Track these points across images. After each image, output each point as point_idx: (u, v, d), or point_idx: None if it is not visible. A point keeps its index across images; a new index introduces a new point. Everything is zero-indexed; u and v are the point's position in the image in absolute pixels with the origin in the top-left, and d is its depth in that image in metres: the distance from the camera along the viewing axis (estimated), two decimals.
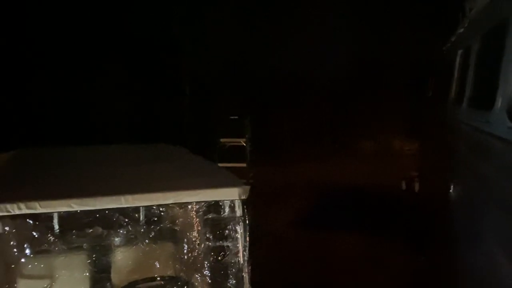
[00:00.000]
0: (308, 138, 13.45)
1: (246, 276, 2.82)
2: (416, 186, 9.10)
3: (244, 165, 8.11)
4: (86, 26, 15.04)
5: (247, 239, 2.86)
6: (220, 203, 2.97)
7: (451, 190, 4.20)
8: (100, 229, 3.39)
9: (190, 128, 12.40)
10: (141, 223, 3.53)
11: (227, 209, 2.96)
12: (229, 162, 7.11)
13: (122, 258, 3.34)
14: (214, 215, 3.02)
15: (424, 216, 6.85)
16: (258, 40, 14.37)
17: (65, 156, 3.35)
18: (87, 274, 3.23)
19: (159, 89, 14.16)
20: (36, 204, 2.24)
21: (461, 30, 5.09)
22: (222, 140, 8.73)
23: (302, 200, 8.82)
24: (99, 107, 13.62)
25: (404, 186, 9.59)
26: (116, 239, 3.55)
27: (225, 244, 3.02)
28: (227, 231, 2.99)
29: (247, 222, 2.86)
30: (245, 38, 14.50)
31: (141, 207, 3.51)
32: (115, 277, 3.30)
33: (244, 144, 8.75)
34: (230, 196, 2.81)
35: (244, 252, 2.84)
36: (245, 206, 2.86)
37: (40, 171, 2.83)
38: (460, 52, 5.03)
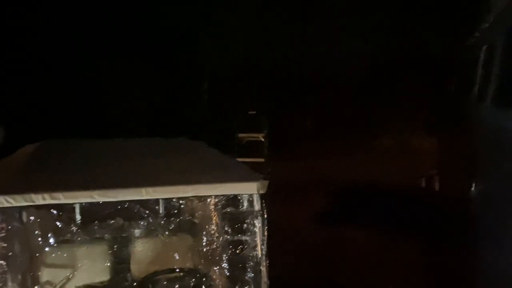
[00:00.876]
0: (326, 134, 13.38)
1: (264, 270, 2.83)
2: (436, 184, 8.98)
3: (262, 160, 8.12)
4: (106, 20, 15.20)
5: (265, 233, 2.87)
6: (239, 197, 3.00)
7: (473, 188, 4.14)
8: (121, 221, 3.46)
9: (208, 122, 12.46)
10: (160, 215, 3.58)
11: (245, 203, 2.98)
12: (247, 157, 7.13)
13: (141, 250, 3.39)
14: (233, 209, 3.05)
15: (444, 214, 6.76)
16: (276, 35, 14.29)
17: (88, 149, 3.41)
18: (108, 264, 3.30)
19: (178, 84, 14.26)
20: (59, 195, 2.30)
21: (486, 25, 4.99)
22: (239, 135, 8.74)
23: (319, 196, 8.79)
24: (119, 101, 13.78)
25: (423, 184, 9.47)
26: (136, 230, 3.62)
27: (243, 238, 3.04)
28: (245, 225, 3.01)
29: (265, 216, 2.87)
30: (264, 33, 14.43)
31: (160, 200, 3.57)
32: (135, 268, 3.35)
33: (262, 139, 8.75)
34: (249, 190, 2.82)
35: (262, 246, 2.85)
36: (263, 201, 2.87)
37: (63, 163, 2.89)
38: (484, 47, 4.94)
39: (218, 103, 13.52)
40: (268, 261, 2.86)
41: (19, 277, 2.70)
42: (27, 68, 14.30)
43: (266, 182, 2.82)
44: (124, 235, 3.46)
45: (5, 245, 2.59)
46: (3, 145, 12.66)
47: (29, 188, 2.26)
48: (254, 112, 9.11)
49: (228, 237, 3.15)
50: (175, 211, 3.37)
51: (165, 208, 3.54)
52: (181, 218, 3.42)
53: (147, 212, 3.25)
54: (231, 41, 14.69)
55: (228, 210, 3.07)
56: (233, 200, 3.01)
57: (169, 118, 13.17)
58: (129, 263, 3.35)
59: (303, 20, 14.07)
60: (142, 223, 3.43)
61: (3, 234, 2.58)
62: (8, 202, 2.21)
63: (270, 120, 9.07)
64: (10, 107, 13.28)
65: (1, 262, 2.55)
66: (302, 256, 5.96)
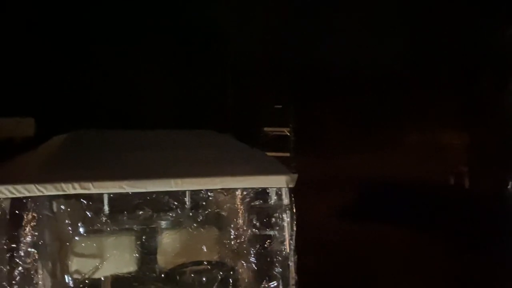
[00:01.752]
0: (352, 129, 13.21)
1: (292, 264, 2.79)
2: (466, 182, 8.75)
3: (288, 154, 8.07)
4: (136, 15, 15.41)
5: (294, 228, 2.82)
6: (267, 191, 2.96)
7: (509, 186, 3.99)
8: (149, 212, 3.47)
9: (234, 116, 12.47)
10: (188, 207, 3.57)
11: (274, 197, 2.93)
12: (273, 151, 7.09)
13: (169, 241, 3.39)
14: (261, 202, 3.01)
15: (475, 212, 6.58)
16: (304, 29, 14.18)
17: (117, 139, 3.43)
18: (136, 255, 3.31)
19: (204, 77, 14.32)
20: (89, 184, 2.30)
21: None
22: (266, 129, 8.72)
23: (345, 192, 8.70)
24: (147, 94, 13.97)
25: (453, 181, 9.25)
26: (164, 222, 3.63)
27: (271, 232, 3.00)
28: (273, 219, 2.97)
29: (294, 210, 2.82)
30: (291, 27, 14.34)
31: (188, 191, 3.57)
32: (162, 259, 3.36)
33: (288, 134, 8.70)
34: (278, 183, 2.78)
35: (290, 241, 2.81)
36: (292, 195, 2.82)
37: (93, 153, 2.90)
38: None
39: (244, 97, 13.54)
40: (296, 256, 2.81)
41: (50, 265, 2.73)
42: (57, 61, 14.64)
43: (295, 176, 2.77)
44: (152, 226, 3.47)
45: (36, 233, 2.62)
46: (33, 136, 12.99)
47: (60, 178, 2.28)
48: (280, 106, 9.06)
49: (256, 231, 3.11)
50: (203, 203, 3.36)
51: (193, 200, 3.53)
52: (208, 210, 3.40)
53: (175, 203, 3.25)
54: (258, 36, 14.64)
55: (256, 203, 3.03)
56: (262, 193, 2.97)
57: (195, 112, 13.28)
58: (156, 254, 3.36)
59: (330, 14, 13.92)
60: (170, 214, 3.43)
61: (34, 223, 2.61)
62: (39, 190, 2.23)
63: (296, 115, 9.01)
64: (40, 98, 13.65)
65: (32, 250, 2.58)
66: (327, 251, 5.90)
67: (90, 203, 3.13)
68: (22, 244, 2.53)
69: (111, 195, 3.40)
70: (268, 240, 3.01)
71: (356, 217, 7.54)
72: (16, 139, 12.14)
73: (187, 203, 3.70)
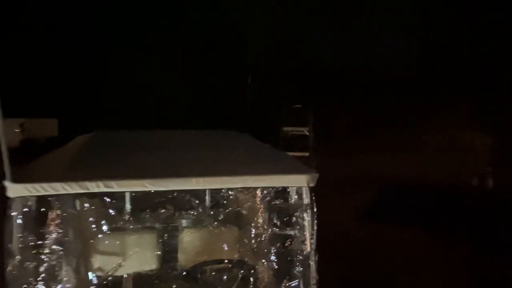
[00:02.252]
0: (373, 129, 13.07)
1: (313, 264, 2.77)
2: (490, 182, 8.57)
3: (307, 154, 8.03)
4: (153, 16, 15.58)
5: (315, 227, 2.80)
6: (288, 190, 2.95)
7: None
8: (171, 210, 3.51)
9: (253, 116, 12.47)
10: (208, 206, 3.59)
11: (294, 196, 2.92)
12: (292, 150, 7.06)
13: (189, 239, 3.41)
14: (281, 202, 3.00)
15: (498, 214, 6.44)
16: (323, 30, 14.12)
17: (139, 139, 3.47)
18: (157, 253, 3.34)
19: (223, 78, 14.37)
20: (112, 183, 2.33)
21: None
22: (285, 128, 8.68)
23: (365, 192, 8.61)
24: (165, 94, 14.11)
25: (476, 182, 9.07)
26: (185, 220, 3.66)
27: (291, 231, 2.99)
28: (294, 218, 2.96)
29: (314, 210, 2.80)
30: (310, 28, 14.30)
31: (208, 190, 3.58)
32: (183, 257, 3.38)
33: (307, 133, 8.65)
34: (298, 183, 2.76)
35: (311, 240, 2.79)
36: (313, 194, 2.80)
37: (116, 152, 2.94)
38: None
39: (263, 96, 13.53)
40: (317, 256, 2.79)
41: (74, 262, 2.78)
42: (79, 64, 14.90)
43: (316, 175, 2.74)
44: (173, 224, 3.50)
45: (61, 231, 2.68)
46: (56, 136, 13.25)
47: (84, 176, 2.31)
48: (300, 106, 9.01)
49: (276, 230, 3.11)
50: (224, 202, 3.37)
51: (213, 199, 3.55)
52: (229, 209, 3.42)
53: (196, 202, 3.27)
54: (277, 36, 14.64)
55: (277, 202, 3.03)
56: (282, 192, 2.96)
57: (214, 112, 13.34)
58: (177, 253, 3.38)
59: (351, 16, 13.81)
60: (191, 213, 3.46)
61: (58, 221, 2.67)
62: (64, 189, 2.27)
63: (315, 114, 8.95)
64: (62, 100, 13.92)
65: (57, 247, 2.63)
66: (347, 250, 5.85)
67: (113, 201, 3.18)
68: (47, 241, 2.58)
69: (133, 194, 3.45)
70: (289, 240, 3.00)
71: (376, 218, 7.46)
72: (40, 139, 12.46)
73: (207, 202, 3.72)
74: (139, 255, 3.24)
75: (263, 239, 3.23)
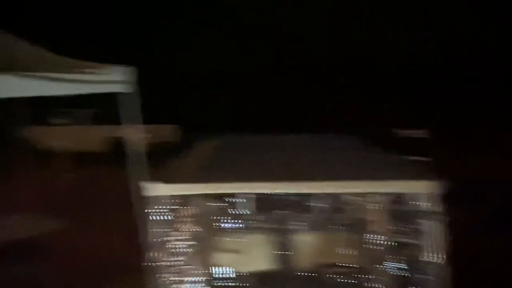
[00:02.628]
0: (497, 131, 11.90)
1: (440, 274, 2.62)
2: None
3: (425, 158, 7.57)
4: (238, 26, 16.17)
5: (442, 236, 2.65)
6: (412, 196, 2.82)
7: None
8: (288, 212, 3.57)
9: (363, 118, 12.18)
10: (326, 210, 3.59)
11: (419, 203, 2.79)
12: (408, 154, 6.73)
13: (307, 242, 3.44)
14: (404, 208, 2.88)
15: None
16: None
17: (257, 143, 3.62)
18: (274, 253, 3.42)
19: (333, 79, 14.30)
20: (243, 185, 2.47)
21: None
22: (400, 131, 8.30)
23: (493, 198, 7.85)
24: (275, 98, 14.48)
25: None
26: (302, 223, 3.70)
27: (415, 240, 2.85)
28: (418, 226, 2.82)
29: (442, 218, 2.65)
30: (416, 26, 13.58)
31: (327, 194, 3.58)
32: (300, 260, 3.42)
33: (425, 136, 8.16)
34: (424, 189, 2.64)
35: (438, 250, 2.64)
36: (440, 201, 2.65)
37: (242, 156, 3.10)
38: None
39: (374, 96, 13.12)
40: (444, 265, 2.63)
41: (203, 257, 2.98)
42: (193, 73, 15.94)
43: (443, 182, 2.60)
44: (290, 227, 3.56)
45: (190, 228, 2.90)
46: (178, 140, 14.36)
47: (216, 178, 2.48)
48: (416, 108, 8.56)
49: (399, 237, 2.99)
50: (342, 207, 3.34)
51: (331, 203, 3.53)
52: (347, 214, 3.37)
53: (313, 205, 3.28)
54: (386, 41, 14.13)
55: (399, 209, 2.91)
56: (404, 199, 2.85)
57: (325, 114, 13.30)
58: (295, 255, 3.43)
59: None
60: (308, 215, 3.48)
61: (188, 218, 2.89)
62: (198, 189, 2.45)
63: (435, 116, 8.42)
64: (183, 108, 15.01)
65: (187, 243, 2.85)
66: (475, 260, 5.40)
67: (236, 200, 3.35)
68: (179, 237, 2.81)
69: (255, 195, 3.59)
70: (413, 248, 2.87)
71: (507, 226, 6.77)
72: (163, 143, 13.71)
73: (325, 205, 3.72)
74: (257, 255, 3.35)
75: (383, 246, 3.13)
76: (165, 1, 17.06)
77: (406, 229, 2.99)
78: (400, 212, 3.00)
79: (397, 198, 2.99)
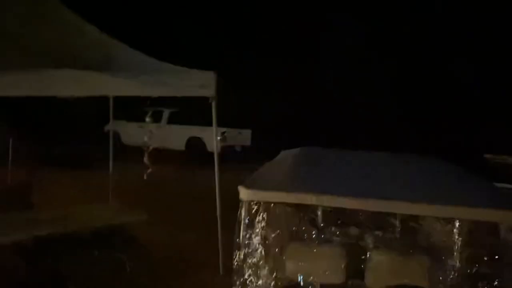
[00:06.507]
0: None
1: None
2: None
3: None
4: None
5: None
6: (495, 225, 2.69)
7: None
8: (356, 230, 3.56)
9: (453, 141, 11.58)
10: (399, 230, 3.51)
11: (503, 233, 2.65)
12: (495, 181, 6.31)
13: (376, 261, 3.38)
14: (489, 238, 2.76)
15: None
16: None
17: (338, 157, 3.64)
18: (343, 267, 3.41)
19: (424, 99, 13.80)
20: (324, 198, 2.52)
21: None
22: (487, 156, 7.82)
23: None
24: (361, 112, 14.28)
25: None
26: (371, 240, 3.65)
27: (496, 271, 2.72)
28: (499, 257, 2.69)
29: None
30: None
31: (398, 214, 3.50)
32: (368, 277, 3.37)
33: None
34: (508, 219, 2.51)
35: None
36: None
37: (323, 168, 3.15)
38: None
39: (467, 120, 12.40)
40: None
41: (272, 263, 3.06)
42: (273, 81, 16.15)
43: None
44: (365, 243, 3.53)
45: (264, 234, 2.99)
46: (250, 145, 14.70)
47: (301, 188, 2.55)
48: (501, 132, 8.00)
49: (477, 267, 2.86)
50: (416, 229, 3.26)
51: (404, 223, 3.46)
52: (422, 237, 3.28)
53: (392, 224, 3.24)
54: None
55: (482, 238, 2.79)
56: (489, 228, 2.72)
57: (411, 134, 12.82)
58: (363, 271, 3.39)
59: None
60: (385, 234, 3.43)
61: (263, 224, 2.98)
62: (286, 198, 2.54)
63: None
64: (257, 115, 15.32)
65: (261, 248, 2.95)
66: None
67: (307, 213, 3.39)
68: (253, 242, 2.91)
69: (326, 209, 3.61)
70: (493, 279, 2.73)
71: None
72: (236, 146, 14.09)
73: (398, 225, 3.64)
74: (328, 267, 3.36)
75: (459, 274, 3.01)
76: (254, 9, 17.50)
77: (489, 260, 2.86)
78: (484, 241, 2.87)
79: (479, 226, 2.87)
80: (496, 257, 2.74)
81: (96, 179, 7.30)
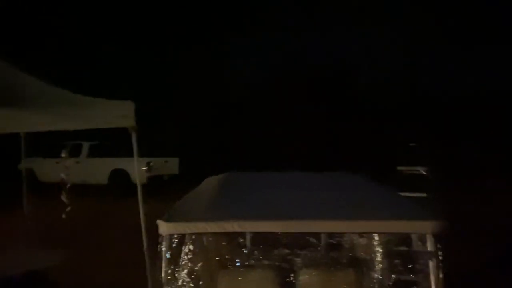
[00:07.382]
0: (497, 167, 11.92)
1: None
2: None
3: (424, 195, 7.58)
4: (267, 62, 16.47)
5: (440, 276, 2.66)
6: (412, 236, 2.85)
7: None
8: (287, 251, 3.60)
9: (366, 155, 12.23)
10: (324, 247, 3.61)
11: (417, 243, 2.82)
12: (407, 191, 6.74)
13: (306, 280, 3.44)
14: (403, 248, 2.91)
15: None
16: (439, 67, 13.59)
17: (265, 181, 3.68)
18: None
19: (336, 117, 14.45)
20: (247, 224, 2.50)
21: None
22: (399, 168, 8.34)
23: (495, 240, 7.81)
24: (281, 134, 14.60)
25: None
26: (301, 260, 3.72)
27: (415, 278, 2.87)
28: (417, 265, 2.85)
29: (439, 258, 2.67)
30: (425, 66, 13.87)
31: (328, 233, 3.60)
32: None
33: (424, 173, 8.20)
34: (423, 229, 2.67)
35: None
36: (438, 242, 2.68)
37: (246, 194, 3.15)
38: None
39: (377, 134, 13.24)
40: None
41: None
42: (199, 111, 16.14)
43: (444, 222, 2.62)
44: (292, 264, 3.57)
45: (190, 265, 2.92)
46: (178, 173, 14.40)
47: (221, 217, 2.52)
48: (415, 144, 8.63)
49: (398, 276, 3.01)
50: (340, 245, 3.36)
51: (328, 240, 3.56)
52: (345, 252, 3.39)
53: (312, 243, 3.31)
54: (389, 74, 14.40)
55: (398, 248, 2.94)
56: (403, 238, 2.88)
57: (327, 151, 13.39)
58: None
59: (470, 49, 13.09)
60: (305, 253, 3.50)
61: (190, 255, 2.91)
62: (207, 228, 2.49)
63: (433, 153, 8.48)
64: (184, 142, 15.17)
65: (188, 280, 2.87)
66: None
67: (235, 238, 3.38)
68: (180, 274, 2.82)
69: (253, 232, 3.62)
70: (412, 286, 2.88)
71: (506, 266, 6.71)
72: (164, 176, 13.75)
73: (321, 243, 3.74)
74: None
75: (383, 284, 3.14)
76: (166, 35, 17.46)
77: (406, 268, 3.01)
78: (400, 251, 3.02)
79: (397, 237, 3.03)
80: (409, 266, 2.89)
81: (10, 222, 6.76)
